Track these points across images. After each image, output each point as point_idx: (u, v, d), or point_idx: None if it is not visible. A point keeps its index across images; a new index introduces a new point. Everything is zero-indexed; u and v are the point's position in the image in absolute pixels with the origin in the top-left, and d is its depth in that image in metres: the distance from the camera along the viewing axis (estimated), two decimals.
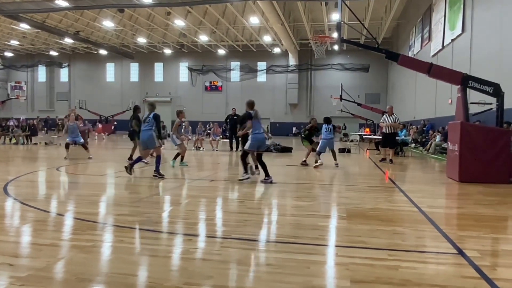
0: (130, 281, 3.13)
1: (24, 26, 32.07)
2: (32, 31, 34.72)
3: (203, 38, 36.64)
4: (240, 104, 33.68)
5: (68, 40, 37.03)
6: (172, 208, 6.09)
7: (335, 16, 26.14)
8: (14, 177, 8.68)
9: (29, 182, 8.53)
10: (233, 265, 3.52)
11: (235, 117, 19.43)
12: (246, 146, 8.91)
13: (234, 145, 19.16)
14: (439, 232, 4.71)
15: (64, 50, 43.64)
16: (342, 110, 33.09)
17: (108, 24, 32.18)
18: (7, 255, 3.61)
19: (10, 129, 23.56)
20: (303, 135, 13.29)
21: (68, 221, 5.10)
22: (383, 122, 14.32)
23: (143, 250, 3.91)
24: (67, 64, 44.40)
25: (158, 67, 44.58)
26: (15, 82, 41.96)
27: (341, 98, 32.83)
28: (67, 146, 13.88)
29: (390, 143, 14.17)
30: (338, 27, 11.65)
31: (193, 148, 19.12)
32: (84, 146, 14.25)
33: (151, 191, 7.77)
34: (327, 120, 12.76)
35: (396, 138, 15.17)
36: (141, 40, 37.93)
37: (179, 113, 11.94)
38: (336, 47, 36.86)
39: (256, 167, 10.09)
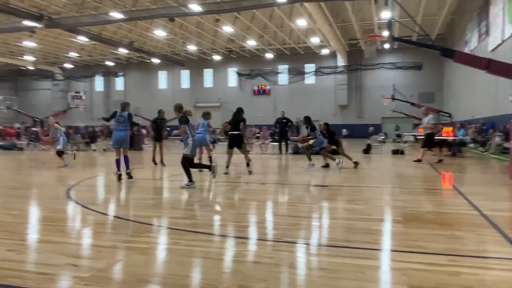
0: (186, 283, 3.22)
1: (82, 39, 33.90)
2: (89, 43, 36.61)
3: (251, 43, 37.00)
4: (288, 107, 33.70)
5: (122, 50, 38.69)
6: (224, 211, 6.19)
7: (385, 14, 25.49)
8: (76, 182, 9.16)
9: (89, 186, 8.98)
10: (285, 268, 3.52)
11: (284, 120, 19.42)
12: (186, 151, 8.37)
13: (283, 148, 19.14)
14: (503, 237, 4.45)
15: (119, 60, 45.64)
16: (394, 110, 32.14)
17: (159, 33, 33.30)
18: (71, 256, 3.83)
19: (71, 137, 24.90)
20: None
21: (126, 224, 5.31)
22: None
23: (197, 252, 4.00)
24: (122, 73, 46.43)
25: (208, 73, 45.53)
26: (75, 92, 44.36)
27: (393, 98, 31.88)
28: (59, 154, 13.33)
29: (426, 143, 13.73)
30: (389, 25, 11.37)
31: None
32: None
33: (204, 194, 7.93)
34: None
35: (435, 138, 14.56)
36: (191, 47, 38.92)
37: (206, 115, 11.70)
38: (386, 46, 35.91)
39: (227, 167, 10.58)
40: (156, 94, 46.34)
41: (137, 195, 7.95)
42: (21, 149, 22.15)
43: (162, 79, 47.07)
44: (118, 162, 9.54)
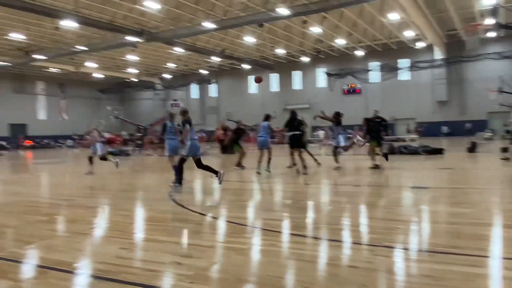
0: (283, 284, 3.25)
1: (178, 50, 36.07)
2: (185, 53, 38.81)
3: (340, 41, 36.33)
4: (381, 106, 32.40)
5: (215, 58, 40.38)
6: (318, 213, 6.14)
7: (488, 0, 23.32)
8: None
9: (189, 189, 9.50)
10: (386, 274, 3.38)
11: (378, 120, 18.68)
12: (184, 152, 8.58)
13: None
14: None
15: (212, 68, 47.71)
16: (502, 104, 29.29)
17: (249, 39, 34.18)
18: (175, 255, 4.08)
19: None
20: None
21: (224, 225, 5.53)
22: None
23: (292, 254, 4.03)
24: (215, 80, 48.49)
25: (296, 75, 45.63)
26: (173, 100, 47.31)
27: (500, 91, 29.07)
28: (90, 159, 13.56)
29: None
30: (494, 11, 10.39)
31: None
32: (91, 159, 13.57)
33: (297, 196, 7.95)
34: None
35: None
36: (280, 51, 39.34)
37: (267, 117, 11.85)
38: (491, 34, 32.85)
39: (305, 167, 10.80)
40: (247, 98, 47.59)
41: (233, 197, 8.22)
42: (127, 154, 24.12)
43: (252, 84, 48.25)
44: (176, 168, 9.23)
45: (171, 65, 44.51)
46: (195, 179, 11.58)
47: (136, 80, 49.71)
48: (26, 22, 27.07)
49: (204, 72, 48.39)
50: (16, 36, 29.27)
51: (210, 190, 9.55)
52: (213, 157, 19.79)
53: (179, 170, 8.76)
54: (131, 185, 10.64)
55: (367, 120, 12.84)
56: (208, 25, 27.09)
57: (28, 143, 40.48)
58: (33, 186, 11.05)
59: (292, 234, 4.89)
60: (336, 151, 12.39)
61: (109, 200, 8.12)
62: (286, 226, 5.42)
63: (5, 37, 29.29)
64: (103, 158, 13.28)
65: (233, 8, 26.62)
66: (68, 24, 25.70)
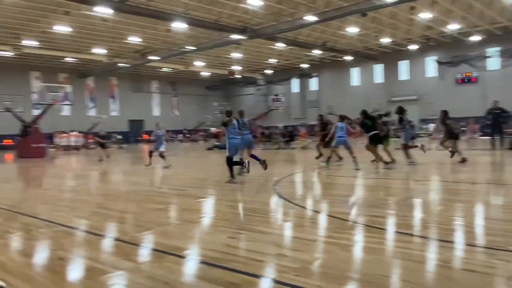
0: (389, 283, 3.13)
1: (279, 45, 36.44)
2: (286, 48, 39.08)
3: (453, 27, 33.52)
4: (501, 96, 29.27)
5: (316, 52, 40.04)
6: (428, 212, 5.79)
7: None
8: (279, 178, 9.91)
9: (291, 182, 9.61)
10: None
11: (498, 111, 16.95)
12: (227, 153, 9.38)
13: (497, 143, 16.69)
14: None
15: (313, 62, 47.40)
16: None
17: (351, 30, 33.25)
18: (280, 247, 4.16)
19: (272, 136, 27.07)
20: None
21: (328, 220, 5.49)
22: None
23: (399, 253, 3.85)
24: (316, 74, 48.11)
25: (403, 65, 43.24)
26: (275, 95, 47.98)
27: None
28: (150, 154, 14.23)
29: None
30: None
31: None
32: (161, 154, 14.01)
33: (405, 193, 7.58)
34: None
35: None
36: (385, 40, 37.61)
37: (343, 118, 12.08)
38: None
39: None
40: (349, 91, 46.42)
41: (335, 191, 8.11)
42: None
43: (355, 76, 46.88)
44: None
45: (272, 60, 45.18)
46: (297, 172, 11.65)
47: (239, 76, 51.44)
48: (142, 26, 29.53)
49: (304, 66, 48.27)
50: (134, 40, 32.14)
51: (313, 184, 9.55)
52: (314, 151, 19.70)
53: (230, 167, 9.41)
54: (236, 177, 11.04)
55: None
56: (310, 18, 26.92)
57: (145, 137, 44.30)
58: (149, 177, 12.09)
59: (399, 232, 4.69)
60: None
61: (217, 191, 8.55)
62: (392, 224, 5.21)
63: (124, 41, 32.32)
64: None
65: None
66: (179, 25, 27.48)
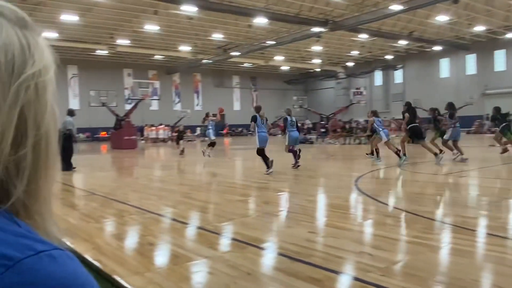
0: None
1: (362, 37, 35.29)
2: (369, 39, 37.76)
3: None
4: None
5: (401, 42, 38.20)
6: None
7: None
8: (360, 174, 9.60)
9: (373, 179, 9.26)
10: None
11: None
12: (257, 144, 10.08)
13: None
14: None
15: (398, 53, 45.31)
16: None
17: (441, 18, 31.18)
18: (365, 245, 4.02)
19: (353, 131, 26.36)
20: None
21: (413, 218, 5.19)
22: None
23: (492, 257, 3.52)
24: (401, 65, 45.92)
25: (499, 55, 39.66)
26: (356, 88, 46.59)
27: None
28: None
29: None
30: None
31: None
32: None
33: (496, 192, 6.95)
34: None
35: None
36: (478, 28, 34.77)
37: (375, 112, 12.64)
38: None
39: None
40: (438, 83, 43.67)
41: (421, 189, 7.67)
42: (311, 142, 24.97)
43: (444, 67, 43.96)
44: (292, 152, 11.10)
45: (354, 52, 43.93)
46: (380, 168, 11.22)
47: (319, 70, 50.77)
48: (224, 23, 30.32)
49: (389, 57, 46.29)
50: (217, 36, 33.12)
51: (396, 180, 9.14)
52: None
53: (263, 158, 10.00)
54: (315, 172, 10.94)
55: None
56: (395, 7, 25.69)
57: (225, 131, 45.62)
58: (230, 169, 12.40)
59: (491, 235, 4.29)
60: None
61: (296, 185, 8.52)
62: (484, 225, 4.79)
63: (208, 37, 33.45)
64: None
65: None
66: (259, 21, 27.79)
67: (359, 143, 23.71)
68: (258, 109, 10.47)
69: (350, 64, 49.70)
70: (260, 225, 4.95)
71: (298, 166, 10.90)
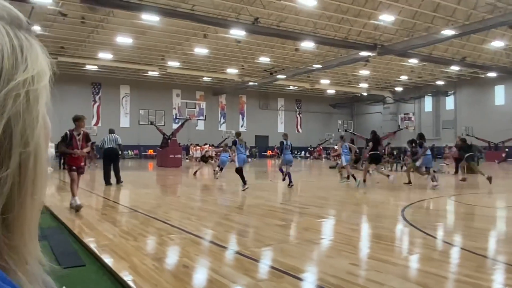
0: None
1: (412, 61, 34.51)
2: (419, 64, 36.87)
3: None
4: None
5: (454, 68, 37.01)
6: None
7: None
8: (408, 203, 9.15)
9: (422, 208, 8.79)
10: None
11: None
12: (236, 164, 11.94)
13: None
14: None
15: (449, 78, 43.89)
16: None
17: (496, 44, 29.98)
18: (412, 282, 3.72)
19: (401, 157, 25.48)
20: None
21: (464, 255, 4.80)
22: None
23: None
24: (452, 91, 44.35)
25: None
26: (404, 114, 45.34)
27: None
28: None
29: None
30: None
31: None
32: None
33: None
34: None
35: None
36: None
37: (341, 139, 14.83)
38: None
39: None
40: (492, 110, 41.69)
41: (474, 223, 7.17)
42: (355, 168, 24.32)
43: (499, 94, 41.99)
44: None
45: (403, 77, 42.98)
46: (430, 198, 10.67)
47: (366, 94, 50.00)
48: (271, 46, 30.69)
49: (440, 83, 44.90)
50: (263, 59, 33.55)
51: (445, 211, 8.63)
52: (446, 176, 18.00)
53: (240, 176, 11.60)
54: (359, 199, 10.57)
55: None
56: (448, 32, 24.97)
57: (269, 153, 45.61)
58: (271, 191, 12.24)
59: None
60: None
61: (338, 212, 8.23)
62: None
63: (255, 60, 33.94)
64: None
65: (478, 11, 23.81)
66: (307, 44, 27.88)
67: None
68: (238, 134, 12.68)
69: (399, 89, 48.62)
70: (299, 253, 4.75)
71: (291, 185, 12.45)
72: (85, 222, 6.43)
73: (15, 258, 0.39)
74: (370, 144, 13.65)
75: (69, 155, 7.72)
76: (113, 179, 12.94)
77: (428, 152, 13.33)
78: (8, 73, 0.39)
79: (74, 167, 7.64)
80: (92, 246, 4.90)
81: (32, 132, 0.40)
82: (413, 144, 13.97)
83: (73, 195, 7.57)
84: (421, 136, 13.73)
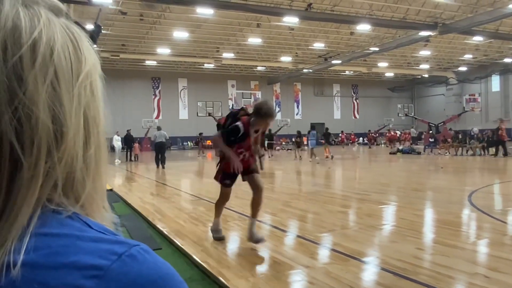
0: None
1: (477, 39, 32.56)
2: (484, 42, 34.74)
3: None
4: None
5: None
6: None
7: None
8: (475, 188, 8.83)
9: (490, 194, 8.47)
10: None
11: None
12: None
13: None
14: None
15: None
16: None
17: None
18: (480, 266, 3.70)
19: (467, 141, 24.32)
20: None
21: None
22: None
23: None
24: None
25: None
26: (469, 95, 43.15)
27: None
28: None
29: None
30: None
31: None
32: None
33: None
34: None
35: None
36: None
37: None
38: None
39: None
40: None
41: None
42: (418, 153, 23.58)
43: None
44: None
45: (467, 56, 40.66)
46: (499, 183, 10.21)
47: (427, 76, 47.88)
48: (325, 32, 30.22)
49: (508, 60, 42.02)
50: (317, 45, 33.13)
51: None
52: None
53: None
54: (423, 184, 10.33)
55: None
56: None
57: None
58: (331, 179, 12.25)
59: None
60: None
61: (401, 198, 8.13)
62: None
63: (309, 47, 33.62)
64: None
65: None
66: (362, 28, 27.16)
67: (473, 154, 21.82)
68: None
69: (463, 68, 46.12)
70: (363, 238, 4.82)
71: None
72: (156, 209, 6.88)
73: (99, 211, 0.49)
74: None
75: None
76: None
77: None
78: (76, 67, 0.44)
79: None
80: (165, 231, 5.27)
81: (99, 116, 0.49)
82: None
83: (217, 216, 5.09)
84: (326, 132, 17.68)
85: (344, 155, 25.42)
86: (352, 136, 45.24)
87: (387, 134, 37.35)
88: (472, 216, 6.14)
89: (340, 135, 41.22)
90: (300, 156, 20.94)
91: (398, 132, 36.99)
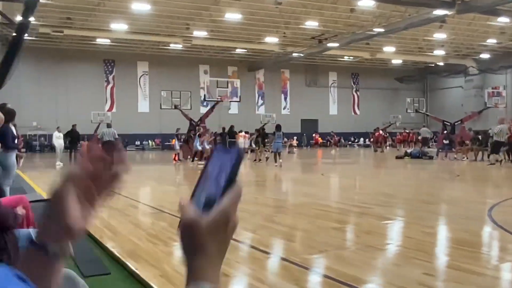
0: None
1: (502, 20, 33.24)
2: (511, 24, 35.53)
3: None
4: None
5: None
6: None
7: None
8: (497, 201, 8.99)
9: None
10: None
11: None
12: None
13: None
14: None
15: None
16: None
17: None
18: None
19: (489, 144, 24.71)
20: None
21: None
22: None
23: None
24: None
25: None
26: (492, 88, 43.83)
27: None
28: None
29: None
30: None
31: None
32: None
33: None
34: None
35: None
36: None
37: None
38: None
39: None
40: None
41: None
42: (431, 157, 23.91)
43: None
44: None
45: (490, 41, 41.48)
46: None
47: (442, 64, 48.66)
48: (320, 7, 30.39)
49: None
50: (310, 24, 33.31)
51: None
52: None
53: None
54: (434, 196, 10.49)
55: None
56: None
57: (316, 141, 45.35)
58: (323, 188, 12.33)
59: None
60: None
61: (408, 212, 8.23)
62: None
63: (300, 26, 33.78)
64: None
65: None
66: (365, 3, 27.46)
67: (496, 160, 22.23)
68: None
69: (485, 56, 47.00)
70: (360, 261, 4.86)
71: None
72: (106, 225, 6.79)
73: None
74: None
75: None
76: None
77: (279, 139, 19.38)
78: None
79: None
80: (116, 252, 5.21)
81: None
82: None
83: None
84: (277, 127, 19.63)
85: (340, 159, 25.61)
86: (337, 138, 45.83)
87: (403, 134, 38.30)
88: (494, 234, 6.25)
89: (331, 133, 42.09)
90: (267, 158, 21.41)
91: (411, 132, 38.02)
